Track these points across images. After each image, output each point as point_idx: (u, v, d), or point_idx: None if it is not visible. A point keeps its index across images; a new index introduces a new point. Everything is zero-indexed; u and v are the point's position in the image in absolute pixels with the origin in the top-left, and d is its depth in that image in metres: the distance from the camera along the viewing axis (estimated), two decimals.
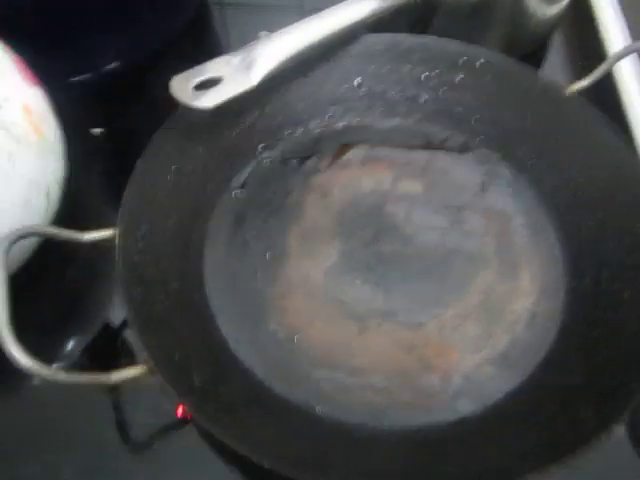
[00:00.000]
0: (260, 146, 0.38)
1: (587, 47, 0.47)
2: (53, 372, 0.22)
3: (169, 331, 0.28)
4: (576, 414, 0.25)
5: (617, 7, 0.47)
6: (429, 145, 0.39)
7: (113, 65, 0.43)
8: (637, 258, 0.29)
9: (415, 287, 0.33)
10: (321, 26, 0.36)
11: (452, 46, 0.38)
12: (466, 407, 0.27)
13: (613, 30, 0.44)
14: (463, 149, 0.39)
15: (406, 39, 0.38)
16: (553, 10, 0.43)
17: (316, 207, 0.36)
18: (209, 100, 0.30)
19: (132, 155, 0.31)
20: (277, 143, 0.39)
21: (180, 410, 0.29)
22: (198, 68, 0.31)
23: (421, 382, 0.29)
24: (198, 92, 0.30)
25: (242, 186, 0.37)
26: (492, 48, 0.42)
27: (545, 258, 0.33)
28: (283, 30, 0.36)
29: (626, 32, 0.45)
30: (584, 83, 0.35)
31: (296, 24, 0.36)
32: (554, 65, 0.46)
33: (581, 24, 0.48)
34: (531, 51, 0.45)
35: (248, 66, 0.32)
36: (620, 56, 0.34)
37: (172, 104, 0.31)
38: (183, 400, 0.24)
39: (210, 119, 0.34)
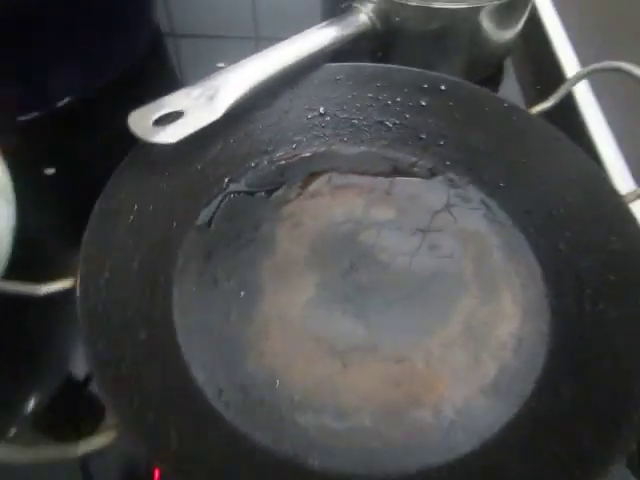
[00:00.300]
0: (226, 179, 0.37)
1: (540, 70, 0.48)
2: (6, 450, 0.19)
3: (139, 388, 0.25)
4: (578, 444, 0.24)
5: (566, 32, 0.49)
6: (397, 171, 0.39)
7: (65, 101, 0.41)
8: (617, 275, 0.29)
9: (396, 316, 0.31)
10: (282, 56, 0.36)
11: (414, 73, 0.38)
12: (463, 443, 0.26)
13: (565, 53, 0.46)
14: (431, 174, 0.38)
15: (368, 67, 0.38)
16: (508, 35, 0.44)
17: (288, 239, 0.35)
18: (171, 135, 0.28)
19: (89, 196, 0.29)
20: (243, 175, 0.37)
21: (156, 476, 0.26)
22: (158, 102, 0.30)
23: (412, 419, 0.28)
24: (158, 127, 0.29)
25: (209, 221, 0.35)
26: (453, 73, 0.43)
27: (524, 278, 0.33)
28: (243, 61, 0.35)
29: (574, 55, 0.47)
30: (546, 105, 0.36)
31: (257, 54, 0.35)
32: (510, 88, 0.47)
33: (533, 48, 0.49)
34: (488, 75, 0.46)
35: (210, 98, 0.31)
36: (579, 77, 0.35)
37: (129, 140, 0.30)
38: (159, 465, 0.22)
39: (172, 154, 0.33)
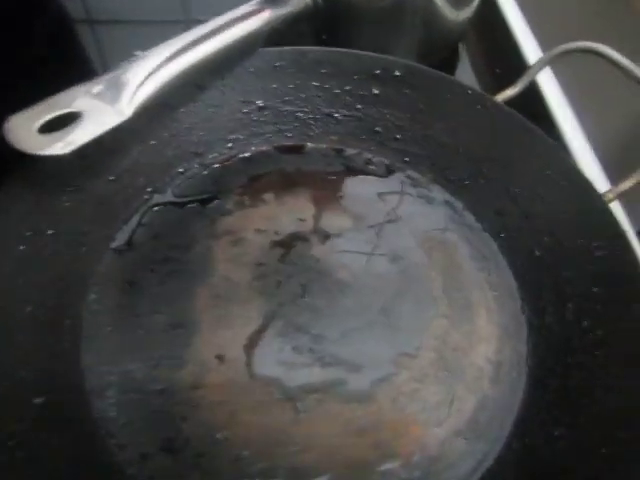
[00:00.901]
0: (148, 189, 0.31)
1: (498, 53, 0.44)
2: None
3: (38, 470, 0.20)
4: None
5: (522, 10, 0.45)
6: (350, 170, 0.34)
7: None
8: (603, 288, 0.25)
9: (358, 346, 0.27)
10: (208, 40, 0.30)
11: (364, 57, 0.33)
12: None
13: (522, 34, 0.42)
14: (389, 172, 0.34)
15: (311, 51, 0.33)
16: (463, 14, 0.39)
17: (227, 258, 0.29)
18: (63, 144, 0.22)
19: None
20: (169, 183, 0.32)
21: None
22: (46, 103, 0.23)
23: (381, 475, 0.23)
24: (46, 135, 0.22)
25: (129, 242, 0.29)
26: (405, 56, 0.38)
27: (499, 291, 0.29)
28: (160, 46, 0.29)
29: (532, 35, 0.43)
30: (511, 92, 0.32)
31: (177, 38, 0.29)
32: (466, 73, 0.43)
33: (489, 29, 0.45)
34: (442, 59, 0.41)
35: (115, 95, 0.25)
36: (547, 60, 0.31)
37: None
38: None
39: (75, 163, 0.26)
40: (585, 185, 0.28)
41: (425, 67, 0.33)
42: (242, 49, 0.32)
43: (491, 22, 0.46)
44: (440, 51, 0.41)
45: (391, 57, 0.33)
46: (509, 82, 0.32)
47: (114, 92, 0.25)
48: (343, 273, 0.29)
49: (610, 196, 0.28)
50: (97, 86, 0.25)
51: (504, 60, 0.44)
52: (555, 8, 0.44)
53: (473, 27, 0.43)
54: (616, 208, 0.30)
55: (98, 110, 0.24)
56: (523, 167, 0.30)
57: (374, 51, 0.35)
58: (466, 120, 0.32)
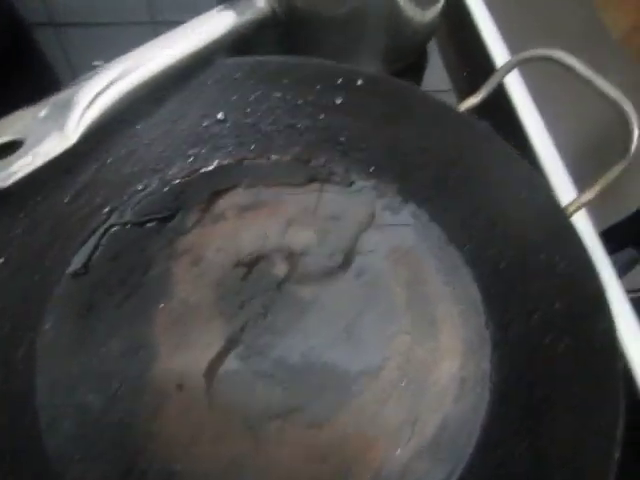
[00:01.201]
0: (106, 209, 0.30)
1: (466, 54, 0.44)
2: None
3: None
4: None
5: (489, 10, 0.44)
6: (314, 181, 0.33)
7: None
8: (566, 303, 0.25)
9: (319, 368, 0.26)
10: (166, 50, 0.29)
11: (326, 66, 0.32)
12: None
13: (490, 35, 0.42)
14: (353, 183, 0.33)
15: (272, 61, 0.32)
16: (428, 16, 0.38)
17: (187, 279, 0.29)
18: (3, 176, 0.21)
19: None
20: (128, 202, 0.31)
21: None
22: None
23: None
24: None
25: (86, 265, 0.28)
26: (371, 63, 0.38)
27: (463, 305, 0.29)
28: (113, 62, 0.28)
29: (500, 37, 0.42)
30: (475, 100, 0.31)
31: (130, 53, 0.28)
32: (435, 76, 0.42)
33: (457, 30, 0.45)
34: (409, 63, 0.41)
35: (61, 119, 0.24)
36: (509, 67, 0.30)
37: None
38: None
39: (24, 183, 0.25)
40: (549, 199, 0.28)
41: (387, 75, 0.33)
42: (200, 60, 0.31)
43: (458, 21, 0.45)
44: (407, 55, 0.41)
45: (353, 66, 0.32)
46: (477, 86, 0.32)
47: (60, 116, 0.24)
48: (306, 291, 0.29)
49: (572, 208, 0.27)
50: (42, 110, 0.24)
51: (473, 60, 0.43)
52: (524, 11, 0.44)
53: (441, 27, 0.42)
54: (581, 213, 0.30)
55: (42, 136, 0.23)
56: (488, 179, 0.30)
57: (338, 59, 0.34)
58: (430, 130, 0.31)
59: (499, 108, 0.38)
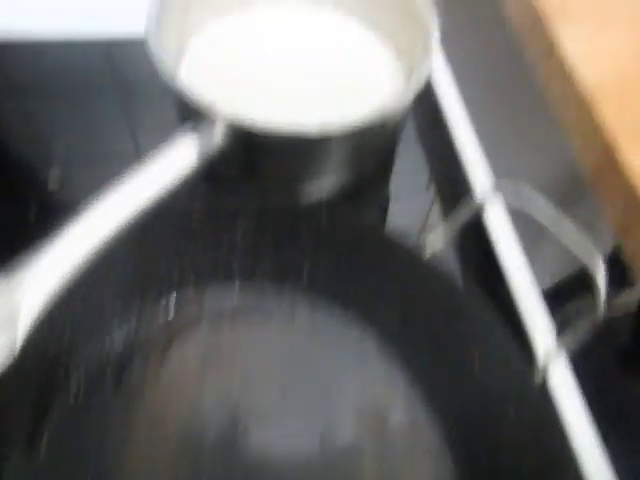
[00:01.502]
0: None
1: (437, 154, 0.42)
2: None
3: None
4: None
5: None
6: (274, 326, 0.32)
7: None
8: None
9: None
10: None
11: (284, 208, 0.30)
12: None
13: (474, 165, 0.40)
14: (316, 327, 0.31)
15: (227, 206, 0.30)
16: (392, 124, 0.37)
17: (141, 450, 0.27)
18: None
19: None
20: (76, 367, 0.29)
21: None
22: None
23: None
24: None
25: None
26: (335, 177, 0.36)
27: (433, 472, 0.27)
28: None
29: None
30: (439, 245, 0.29)
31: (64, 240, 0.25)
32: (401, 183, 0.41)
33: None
34: (377, 167, 0.39)
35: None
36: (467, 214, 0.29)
37: None
38: None
39: None
40: (516, 356, 0.26)
41: (347, 211, 0.31)
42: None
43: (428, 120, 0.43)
44: (373, 160, 0.39)
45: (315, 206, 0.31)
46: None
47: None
48: (267, 461, 0.27)
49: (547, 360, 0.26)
50: None
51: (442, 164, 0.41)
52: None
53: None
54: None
55: None
56: (451, 325, 0.28)
57: (302, 175, 0.33)
58: (390, 276, 0.30)
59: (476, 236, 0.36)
